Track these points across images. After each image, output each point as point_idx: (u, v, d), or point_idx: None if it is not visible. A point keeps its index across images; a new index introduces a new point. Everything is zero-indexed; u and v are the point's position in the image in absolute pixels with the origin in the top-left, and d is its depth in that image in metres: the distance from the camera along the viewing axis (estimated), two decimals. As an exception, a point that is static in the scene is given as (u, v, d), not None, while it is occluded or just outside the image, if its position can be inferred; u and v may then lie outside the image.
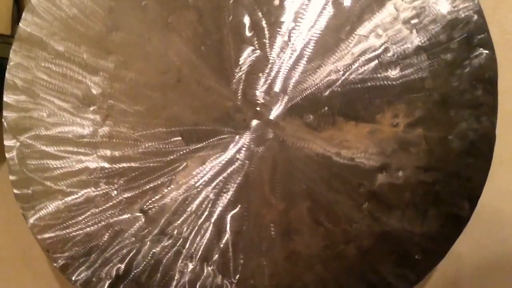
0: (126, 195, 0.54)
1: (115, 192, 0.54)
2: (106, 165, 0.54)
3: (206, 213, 0.55)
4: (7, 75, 0.53)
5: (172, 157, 0.54)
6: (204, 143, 0.55)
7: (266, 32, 0.54)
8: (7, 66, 0.53)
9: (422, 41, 0.54)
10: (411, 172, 0.54)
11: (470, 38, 0.53)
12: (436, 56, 0.53)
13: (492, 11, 0.57)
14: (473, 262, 0.64)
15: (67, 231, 0.53)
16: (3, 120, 0.53)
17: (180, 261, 0.54)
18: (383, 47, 0.54)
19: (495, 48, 0.53)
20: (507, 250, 0.64)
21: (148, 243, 0.54)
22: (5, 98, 0.53)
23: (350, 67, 0.54)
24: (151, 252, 0.54)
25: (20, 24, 0.54)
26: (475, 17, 0.53)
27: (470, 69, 0.53)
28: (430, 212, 0.54)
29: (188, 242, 0.54)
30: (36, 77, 0.53)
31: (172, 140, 0.54)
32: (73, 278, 0.54)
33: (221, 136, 0.55)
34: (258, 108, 0.55)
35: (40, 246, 0.54)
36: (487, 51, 0.53)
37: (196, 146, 0.55)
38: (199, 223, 0.55)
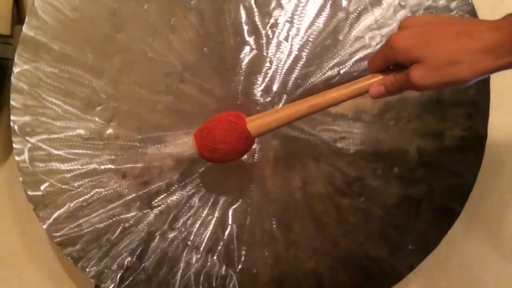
0: (135, 193, 0.56)
1: (126, 191, 0.55)
2: (113, 166, 0.55)
3: (210, 207, 0.57)
4: (12, 79, 0.54)
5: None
6: (207, 142, 0.56)
7: (265, 33, 0.55)
8: (12, 70, 0.54)
9: (418, 41, 0.55)
10: (405, 167, 0.57)
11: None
12: (431, 56, 0.55)
13: (491, 11, 0.58)
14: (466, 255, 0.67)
15: (79, 228, 0.55)
16: (12, 123, 0.54)
17: (186, 252, 0.57)
18: (378, 46, 0.55)
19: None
20: (503, 246, 0.68)
21: (157, 237, 0.56)
22: (12, 102, 0.54)
23: (347, 65, 0.56)
24: (160, 246, 0.56)
25: (23, 28, 0.53)
26: (467, 16, 0.54)
27: (464, 69, 0.55)
28: (423, 205, 0.57)
29: (193, 235, 0.57)
30: (41, 81, 0.54)
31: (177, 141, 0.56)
32: (87, 270, 0.56)
33: (224, 136, 0.56)
34: (258, 108, 0.56)
35: (53, 242, 0.56)
36: (480, 51, 0.54)
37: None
38: (203, 217, 0.57)
